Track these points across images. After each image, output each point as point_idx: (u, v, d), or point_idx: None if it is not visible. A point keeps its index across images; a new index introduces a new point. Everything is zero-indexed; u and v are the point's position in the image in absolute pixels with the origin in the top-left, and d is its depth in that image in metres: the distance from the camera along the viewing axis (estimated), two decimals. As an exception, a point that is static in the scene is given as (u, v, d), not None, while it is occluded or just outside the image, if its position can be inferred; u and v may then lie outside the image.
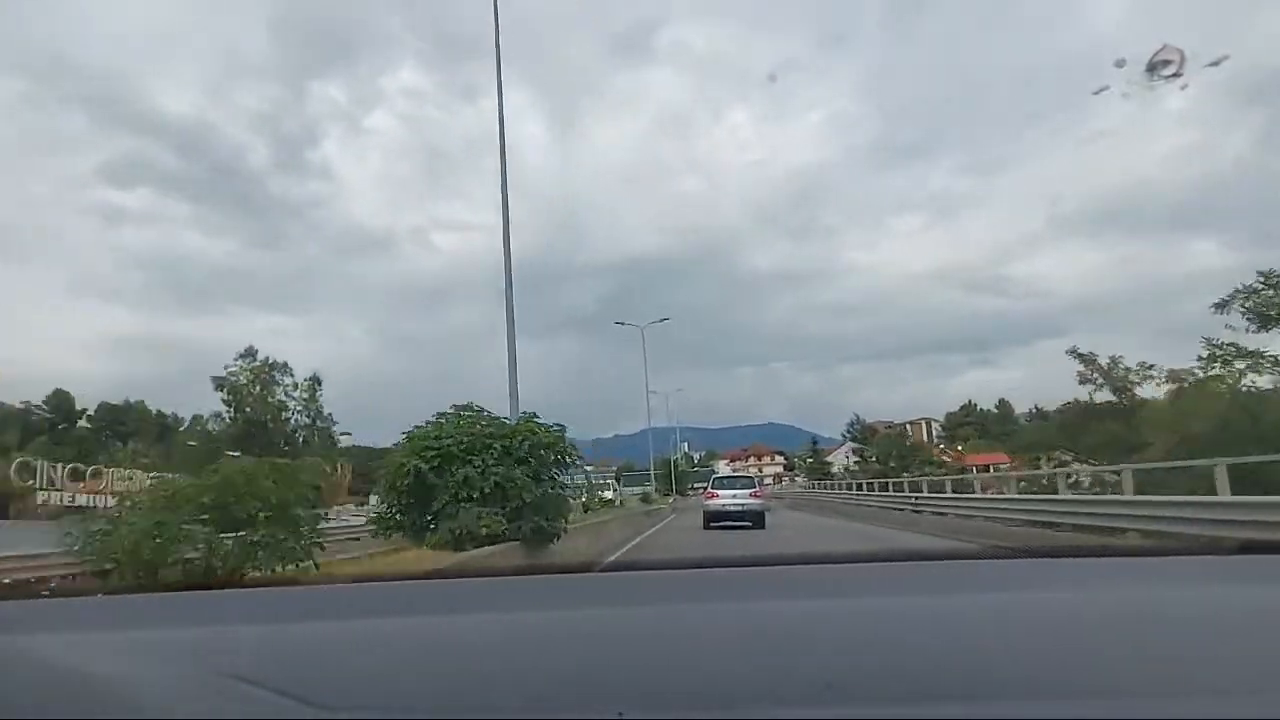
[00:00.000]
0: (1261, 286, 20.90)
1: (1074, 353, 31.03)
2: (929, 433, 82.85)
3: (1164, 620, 0.85)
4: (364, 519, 18.23)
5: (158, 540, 5.24)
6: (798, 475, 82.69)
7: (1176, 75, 2.65)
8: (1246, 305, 21.06)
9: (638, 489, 56.40)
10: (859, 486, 31.18)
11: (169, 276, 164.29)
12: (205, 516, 5.73)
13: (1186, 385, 24.28)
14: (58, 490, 36.46)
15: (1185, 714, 0.63)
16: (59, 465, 37.10)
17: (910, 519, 19.17)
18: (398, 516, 10.73)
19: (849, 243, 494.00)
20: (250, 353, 39.57)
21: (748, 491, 21.54)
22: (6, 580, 6.93)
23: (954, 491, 19.79)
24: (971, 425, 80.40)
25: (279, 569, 5.50)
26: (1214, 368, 22.23)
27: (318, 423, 40.81)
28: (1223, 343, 21.89)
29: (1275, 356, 20.96)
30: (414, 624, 0.95)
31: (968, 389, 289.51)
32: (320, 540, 6.67)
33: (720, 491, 21.66)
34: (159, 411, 66.66)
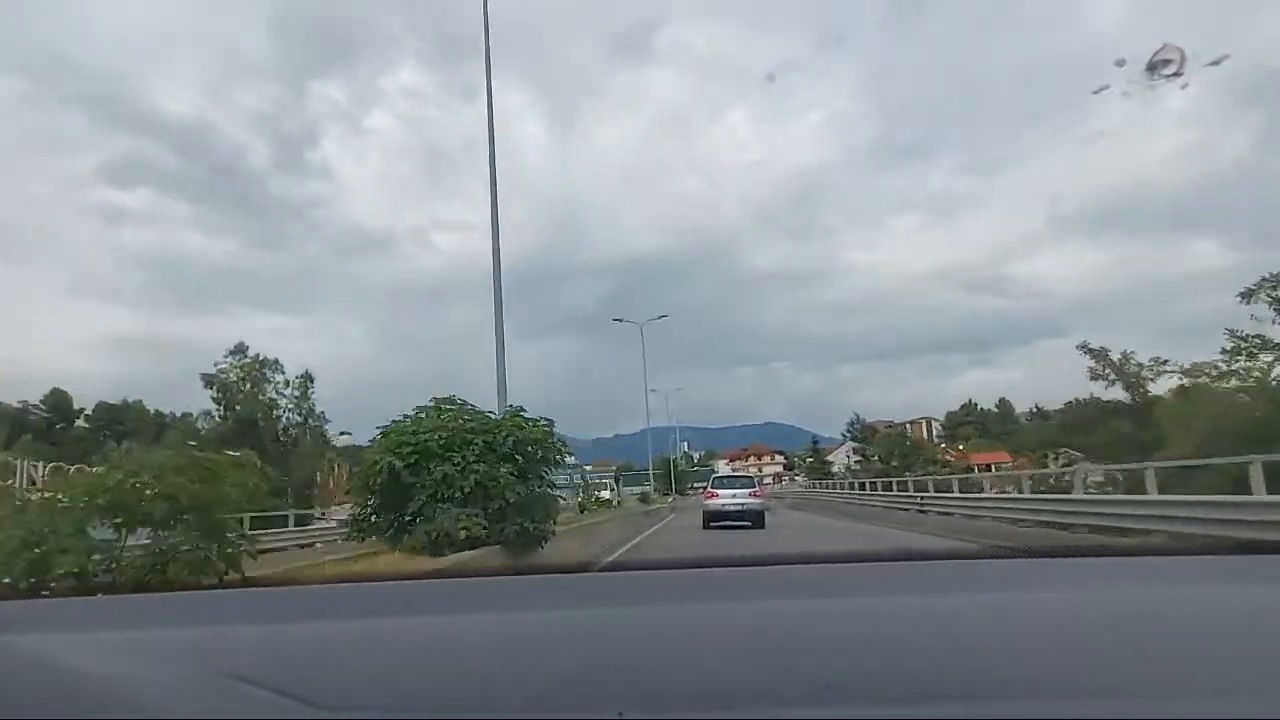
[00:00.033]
0: None
1: (1084, 348, 30.45)
2: (929, 432, 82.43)
3: (1164, 620, 0.85)
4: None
5: (39, 550, 4.50)
6: (798, 475, 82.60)
7: (1177, 75, 2.63)
8: (1274, 295, 20.07)
9: (637, 489, 55.80)
10: (861, 486, 30.94)
11: (169, 276, 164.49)
12: (119, 520, 5.00)
13: (1208, 377, 23.17)
14: (38, 490, 35.89)
15: (1185, 714, 0.63)
16: (40, 464, 36.45)
17: (915, 519, 18.84)
18: (372, 518, 9.99)
19: (849, 243, 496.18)
20: (240, 349, 38.62)
21: (747, 491, 21.29)
22: None
23: (960, 491, 19.49)
24: (972, 425, 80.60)
25: (200, 580, 4.75)
26: (1239, 360, 21.13)
27: (310, 421, 39.98)
28: (1248, 334, 20.86)
29: None
30: (414, 624, 0.95)
31: (968, 389, 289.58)
32: (250, 549, 5.89)
33: (720, 491, 21.42)
34: (157, 411, 66.29)
